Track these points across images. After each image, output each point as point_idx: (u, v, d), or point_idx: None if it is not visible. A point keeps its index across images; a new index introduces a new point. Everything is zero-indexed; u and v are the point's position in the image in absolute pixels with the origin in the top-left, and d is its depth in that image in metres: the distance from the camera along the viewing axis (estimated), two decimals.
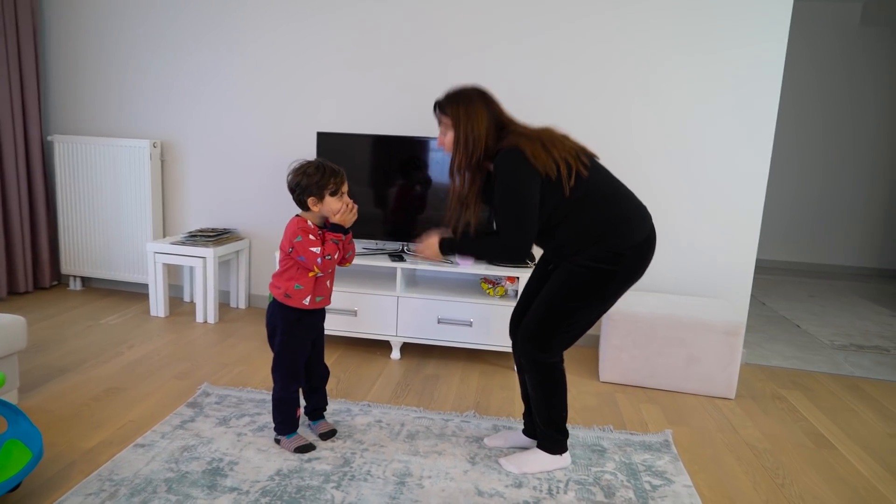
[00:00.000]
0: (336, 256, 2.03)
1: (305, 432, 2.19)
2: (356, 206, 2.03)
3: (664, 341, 2.76)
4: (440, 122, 1.97)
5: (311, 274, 2.02)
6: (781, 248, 6.07)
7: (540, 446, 2.06)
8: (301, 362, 2.09)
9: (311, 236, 1.98)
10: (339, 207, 1.98)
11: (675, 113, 3.12)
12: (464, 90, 1.95)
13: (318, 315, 2.13)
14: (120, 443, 2.08)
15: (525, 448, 2.14)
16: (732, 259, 3.18)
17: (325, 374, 2.21)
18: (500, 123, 1.93)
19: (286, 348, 2.06)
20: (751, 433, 2.42)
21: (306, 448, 2.09)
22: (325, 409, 2.24)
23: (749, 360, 3.23)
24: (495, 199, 1.89)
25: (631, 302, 2.90)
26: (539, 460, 2.04)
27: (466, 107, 1.90)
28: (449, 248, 1.99)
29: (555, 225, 1.89)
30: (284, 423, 2.10)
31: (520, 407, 2.45)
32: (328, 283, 2.09)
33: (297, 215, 2.04)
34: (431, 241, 2.00)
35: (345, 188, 2.00)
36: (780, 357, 3.36)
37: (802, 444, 2.35)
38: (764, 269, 5.80)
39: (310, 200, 1.98)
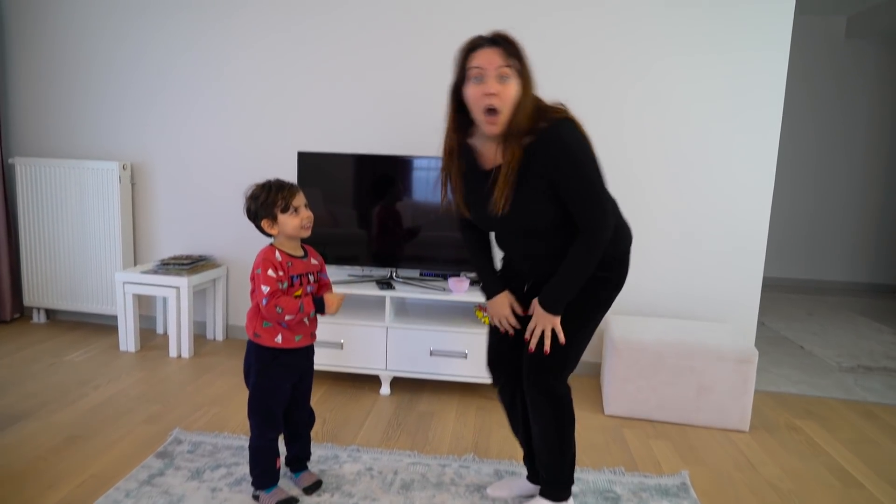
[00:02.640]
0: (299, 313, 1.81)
1: (287, 485, 1.97)
2: (311, 218, 1.83)
3: (673, 370, 2.59)
4: (503, 65, 1.49)
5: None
6: (775, 265, 5.97)
7: (547, 494, 1.84)
8: (278, 407, 1.86)
9: (270, 271, 1.77)
10: (296, 224, 1.80)
11: (677, 132, 2.98)
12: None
13: (301, 354, 1.89)
14: (79, 503, 1.84)
15: (531, 496, 1.94)
16: (737, 281, 3.03)
17: (309, 419, 1.99)
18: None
19: (260, 391, 1.84)
20: (771, 471, 2.25)
21: (291, 501, 1.87)
22: (308, 459, 2.01)
23: (758, 387, 3.07)
24: (558, 178, 1.54)
25: (635, 328, 2.73)
26: None
27: (524, 54, 1.53)
28: (557, 304, 1.64)
29: (561, 224, 1.62)
30: (263, 476, 1.88)
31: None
32: (306, 319, 1.86)
33: (270, 243, 1.85)
34: (543, 317, 1.65)
35: (297, 202, 1.81)
36: (789, 382, 3.20)
37: (828, 483, 2.17)
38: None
39: (264, 224, 1.81)
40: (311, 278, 1.88)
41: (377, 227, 2.98)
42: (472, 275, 2.98)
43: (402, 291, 2.83)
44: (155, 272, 3.17)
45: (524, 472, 2.03)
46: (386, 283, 2.92)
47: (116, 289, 3.19)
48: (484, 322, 2.83)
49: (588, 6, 2.97)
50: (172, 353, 3.18)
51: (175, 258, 3.31)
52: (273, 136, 3.33)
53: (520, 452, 2.24)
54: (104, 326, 3.60)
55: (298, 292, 1.83)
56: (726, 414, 2.58)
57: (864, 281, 5.95)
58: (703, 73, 2.93)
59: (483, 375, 2.74)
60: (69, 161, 3.42)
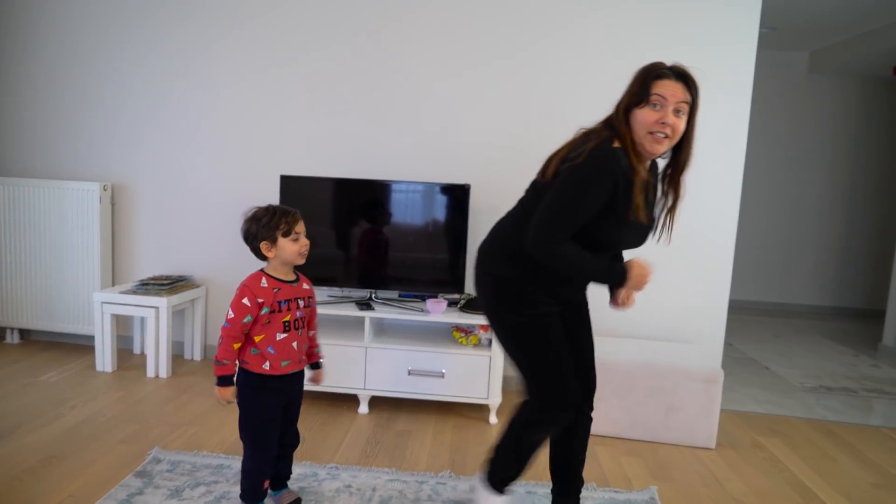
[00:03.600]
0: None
1: (267, 502, 2.00)
2: (308, 245, 1.88)
3: (644, 390, 2.68)
4: (683, 101, 1.60)
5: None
6: (743, 289, 6.15)
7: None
8: (271, 431, 1.88)
9: (245, 299, 1.78)
10: (295, 250, 1.84)
11: None
12: None
13: (290, 379, 1.90)
14: None
15: None
16: (705, 304, 3.16)
17: (294, 441, 2.01)
18: None
19: (250, 416, 1.86)
20: (736, 487, 2.34)
21: None
22: (287, 478, 2.04)
23: (724, 406, 3.17)
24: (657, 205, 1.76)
25: (607, 349, 2.82)
26: None
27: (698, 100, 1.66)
28: None
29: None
30: (250, 492, 1.90)
31: None
32: (294, 344, 1.87)
33: (261, 269, 1.89)
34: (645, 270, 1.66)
35: (299, 228, 1.86)
36: (754, 401, 3.32)
37: (790, 498, 2.27)
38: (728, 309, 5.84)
39: (263, 245, 1.83)
40: (301, 303, 1.90)
41: (357, 249, 3.05)
42: (451, 296, 3.05)
43: (382, 312, 2.89)
44: (134, 292, 3.19)
45: (459, 496, 2.06)
46: (365, 304, 2.98)
47: (94, 308, 3.19)
48: (461, 343, 2.89)
49: (554, 40, 3.10)
50: (150, 373, 3.18)
51: (154, 278, 3.33)
52: (254, 159, 3.39)
53: None
54: (80, 346, 3.59)
55: (287, 317, 1.85)
56: (694, 432, 2.67)
57: (829, 304, 6.15)
58: None
59: (460, 394, 2.80)
60: (49, 181, 3.42)
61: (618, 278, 1.66)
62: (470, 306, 2.95)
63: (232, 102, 3.37)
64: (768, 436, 2.86)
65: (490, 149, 3.19)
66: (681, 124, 1.60)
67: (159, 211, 3.51)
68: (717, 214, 3.11)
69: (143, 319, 3.51)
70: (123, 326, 3.57)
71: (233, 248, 3.44)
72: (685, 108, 1.60)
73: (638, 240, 1.74)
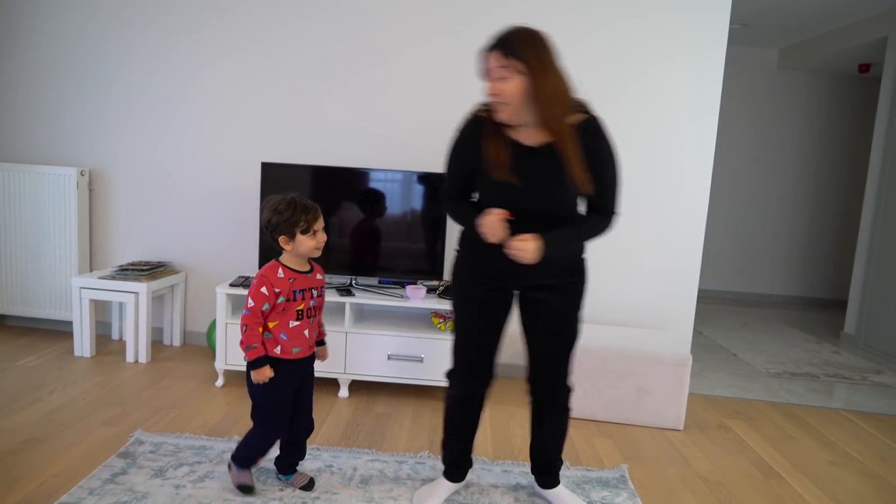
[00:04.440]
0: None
1: (276, 485, 2.04)
2: (325, 240, 1.94)
3: (616, 374, 2.78)
4: (499, 67, 1.63)
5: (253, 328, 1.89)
6: (713, 279, 6.31)
7: (558, 481, 2.06)
8: (282, 412, 1.95)
9: (263, 288, 1.85)
10: (311, 245, 1.89)
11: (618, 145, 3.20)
12: (534, 30, 1.65)
13: (301, 363, 1.96)
14: (41, 502, 1.87)
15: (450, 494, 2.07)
16: (675, 292, 3.26)
17: (308, 427, 2.06)
18: (567, 76, 1.69)
19: (263, 396, 1.92)
20: (702, 465, 2.45)
21: (247, 489, 1.97)
22: (293, 465, 2.08)
23: (693, 390, 3.29)
24: (603, 167, 1.73)
25: (583, 335, 2.90)
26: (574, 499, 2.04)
27: (546, 50, 1.64)
28: (552, 247, 1.70)
29: (573, 212, 1.79)
30: (245, 460, 1.99)
31: (481, 447, 2.38)
32: (305, 331, 1.94)
33: (276, 258, 1.95)
34: (530, 244, 1.66)
35: (317, 226, 1.90)
36: (722, 386, 3.44)
37: (752, 475, 2.38)
38: (699, 299, 6.00)
39: (281, 239, 1.89)
40: (315, 293, 1.96)
41: (337, 236, 3.08)
42: (430, 283, 3.12)
43: (362, 298, 2.94)
44: (113, 278, 3.19)
45: (437, 475, 2.13)
46: (346, 290, 3.02)
47: (73, 294, 3.18)
48: (440, 328, 2.96)
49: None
50: (129, 358, 3.19)
51: (133, 264, 3.33)
52: (234, 146, 3.39)
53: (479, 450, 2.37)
54: (57, 332, 3.57)
55: (301, 306, 1.92)
56: (663, 414, 2.78)
57: (796, 294, 6.35)
58: (642, 98, 3.16)
59: (438, 379, 2.87)
60: (25, 166, 3.39)
61: (475, 227, 1.75)
62: (448, 292, 3.02)
63: (211, 89, 3.37)
64: (734, 418, 2.98)
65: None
66: (506, 87, 1.63)
67: (138, 197, 3.50)
68: (687, 205, 3.21)
69: (122, 305, 3.51)
70: (101, 312, 3.56)
71: (212, 235, 3.45)
72: (506, 72, 1.62)
73: (510, 198, 1.74)
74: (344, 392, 2.92)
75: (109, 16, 3.38)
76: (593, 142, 1.72)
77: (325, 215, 3.08)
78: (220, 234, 3.45)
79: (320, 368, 2.88)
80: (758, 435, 2.79)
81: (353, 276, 3.13)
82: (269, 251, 2.96)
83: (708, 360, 3.95)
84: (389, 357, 2.88)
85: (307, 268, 1.97)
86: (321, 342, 2.11)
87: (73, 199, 3.38)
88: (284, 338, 1.90)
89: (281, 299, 1.87)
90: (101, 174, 3.51)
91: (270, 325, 1.89)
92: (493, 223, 1.68)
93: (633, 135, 3.18)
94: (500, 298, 1.89)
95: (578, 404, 2.81)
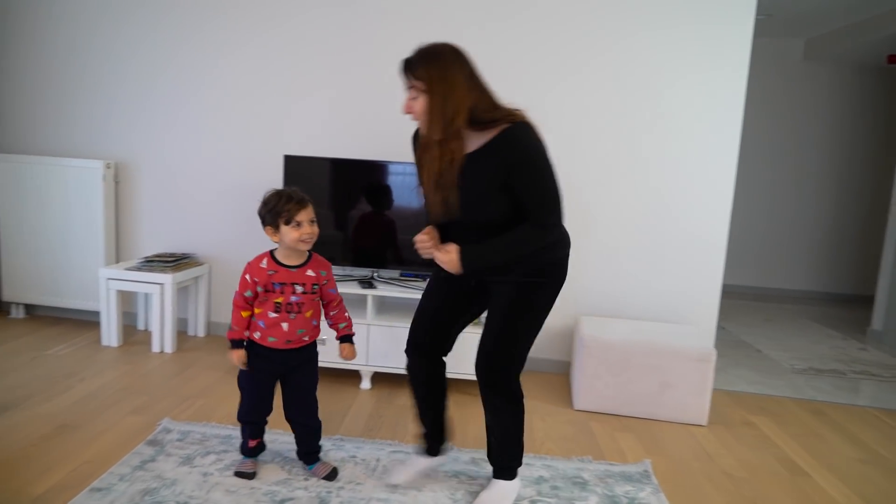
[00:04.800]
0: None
1: (301, 475, 2.07)
2: (313, 234, 1.93)
3: (639, 368, 2.76)
4: (409, 87, 1.72)
5: (244, 313, 1.98)
6: (737, 274, 6.24)
7: (500, 476, 2.01)
8: (255, 397, 2.03)
9: (247, 275, 1.94)
10: (295, 237, 1.90)
11: (641, 143, 3.17)
12: (437, 48, 1.71)
13: (280, 354, 1.98)
14: (73, 487, 1.91)
15: (424, 468, 2.11)
16: (699, 285, 3.23)
17: (300, 417, 2.07)
18: (480, 88, 1.72)
19: (239, 376, 2.03)
20: (727, 461, 2.43)
21: (244, 475, 2.03)
22: (312, 455, 2.11)
23: (717, 386, 3.26)
24: (521, 177, 1.68)
25: (604, 329, 2.90)
26: (509, 491, 2.00)
27: (444, 67, 1.67)
28: (472, 260, 1.74)
29: (512, 219, 1.74)
30: (242, 445, 2.10)
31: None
32: (284, 325, 1.95)
33: (270, 250, 2.00)
34: (450, 256, 1.73)
35: (303, 216, 1.90)
36: (745, 382, 3.41)
37: (777, 472, 2.36)
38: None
39: (267, 230, 1.94)
40: (299, 289, 1.95)
41: (359, 229, 3.10)
42: None
43: (383, 290, 2.95)
44: (139, 269, 3.23)
45: (461, 467, 2.18)
46: (367, 283, 3.04)
47: (100, 284, 3.24)
48: None
49: (558, 21, 3.14)
50: (155, 348, 3.24)
51: (158, 256, 3.38)
52: (258, 138, 3.42)
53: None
54: (85, 322, 3.64)
55: (279, 299, 1.94)
56: (687, 409, 2.76)
57: (821, 290, 6.25)
58: (666, 89, 3.12)
59: (459, 371, 2.87)
60: (52, 158, 3.46)
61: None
62: None
63: (234, 82, 3.40)
64: (758, 414, 2.95)
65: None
66: (416, 105, 1.71)
67: (163, 189, 3.55)
68: (711, 200, 3.17)
69: (147, 296, 3.56)
70: (127, 303, 3.62)
71: (236, 227, 3.49)
72: (413, 91, 1.71)
73: (435, 208, 1.81)
74: (366, 384, 2.94)
75: (135, 12, 3.42)
76: (508, 152, 1.68)
77: (347, 208, 3.12)
78: (243, 226, 3.48)
79: (343, 362, 2.91)
80: (783, 432, 2.76)
81: (375, 269, 3.15)
82: None
83: (731, 355, 3.91)
84: None
85: (298, 262, 1.97)
86: (345, 338, 2.10)
87: (99, 192, 3.43)
88: (262, 325, 1.95)
89: (259, 289, 1.93)
90: (126, 167, 3.56)
91: (256, 310, 1.97)
92: (420, 241, 1.81)
93: (657, 127, 3.15)
94: (457, 282, 1.92)
95: (600, 397, 2.80)
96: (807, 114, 6.01)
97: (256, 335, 1.96)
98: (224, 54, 3.39)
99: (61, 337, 3.37)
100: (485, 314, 1.95)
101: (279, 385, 2.06)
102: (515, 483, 2.01)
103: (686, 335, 2.90)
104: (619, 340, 2.78)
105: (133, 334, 3.51)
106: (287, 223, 1.89)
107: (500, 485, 2.00)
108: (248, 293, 1.95)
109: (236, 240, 3.50)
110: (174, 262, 3.31)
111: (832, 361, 3.93)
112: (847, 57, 5.67)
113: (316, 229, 1.94)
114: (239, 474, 2.03)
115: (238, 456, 2.14)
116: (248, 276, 1.94)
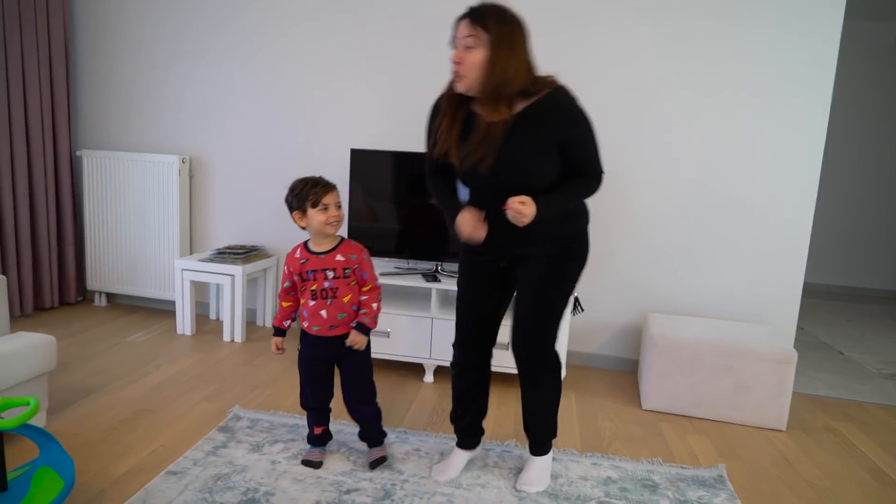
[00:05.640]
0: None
1: (357, 454, 2.09)
2: (339, 218, 1.95)
3: (711, 369, 2.64)
4: (467, 36, 1.65)
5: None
6: (817, 271, 5.91)
7: (538, 452, 2.06)
8: (307, 382, 2.09)
9: (285, 267, 2.03)
10: (322, 220, 1.93)
11: (722, 135, 3.03)
12: (507, 9, 1.67)
13: (328, 340, 2.01)
14: (151, 470, 1.99)
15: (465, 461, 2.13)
16: (778, 283, 3.06)
17: (354, 402, 2.10)
18: (532, 59, 1.71)
19: (299, 364, 2.09)
20: (807, 469, 2.29)
21: (309, 464, 2.08)
22: (373, 441, 2.15)
23: (795, 389, 3.09)
24: (574, 136, 1.72)
25: (674, 326, 2.79)
26: (546, 465, 2.06)
27: (513, 29, 1.64)
28: (544, 207, 1.71)
29: (551, 186, 1.77)
30: (308, 433, 2.15)
31: (568, 439, 2.33)
32: (322, 312, 1.97)
33: (306, 240, 2.06)
34: (529, 207, 1.66)
35: (329, 200, 1.93)
36: (827, 386, 3.22)
37: (865, 483, 2.21)
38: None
39: (295, 215, 1.97)
40: (330, 274, 1.96)
41: (423, 221, 3.10)
42: None
43: (447, 284, 2.94)
44: (211, 260, 3.34)
45: (523, 464, 2.15)
46: (431, 276, 3.03)
47: (175, 275, 3.37)
48: None
49: (641, 14, 3.03)
50: (226, 337, 3.35)
51: (229, 248, 3.48)
52: (325, 133, 3.47)
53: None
54: (161, 311, 3.80)
55: (314, 287, 1.98)
56: (763, 413, 2.62)
57: None
58: (749, 77, 2.97)
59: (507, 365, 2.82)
60: (132, 154, 3.62)
61: (451, 218, 1.84)
62: None
63: (304, 78, 3.45)
64: (842, 420, 2.78)
65: None
66: (468, 57, 1.64)
67: (233, 183, 3.65)
68: (794, 193, 3.00)
69: (219, 286, 3.68)
70: (199, 293, 3.75)
71: None
72: (472, 41, 1.64)
73: (471, 178, 1.79)
74: (429, 377, 2.94)
75: (208, 12, 3.52)
76: (560, 115, 1.70)
77: (412, 200, 3.12)
78: None
79: (407, 354, 2.92)
80: (870, 439, 2.59)
81: (439, 262, 3.14)
82: (355, 238, 3.02)
83: (810, 357, 3.70)
84: None
85: (326, 248, 1.99)
86: (358, 325, 2.01)
87: (175, 186, 3.56)
88: (305, 314, 2.01)
89: (295, 279, 2.00)
90: (200, 162, 3.68)
91: (301, 301, 2.03)
92: (467, 224, 1.77)
93: (737, 118, 3.00)
94: (496, 271, 1.94)
95: (670, 398, 2.70)
96: None
97: (305, 324, 2.03)
98: (291, 53, 3.45)
99: (139, 325, 3.53)
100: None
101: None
102: (550, 457, 2.08)
103: (763, 335, 2.76)
104: (691, 339, 2.67)
105: (205, 323, 3.64)
106: (314, 206, 1.92)
107: (539, 461, 2.05)
108: (286, 283, 2.03)
109: (303, 233, 3.56)
110: (244, 253, 3.40)
111: None
112: None
113: (342, 213, 1.97)
114: (306, 463, 2.07)
115: (305, 445, 2.17)
116: (286, 268, 2.02)
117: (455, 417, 2.11)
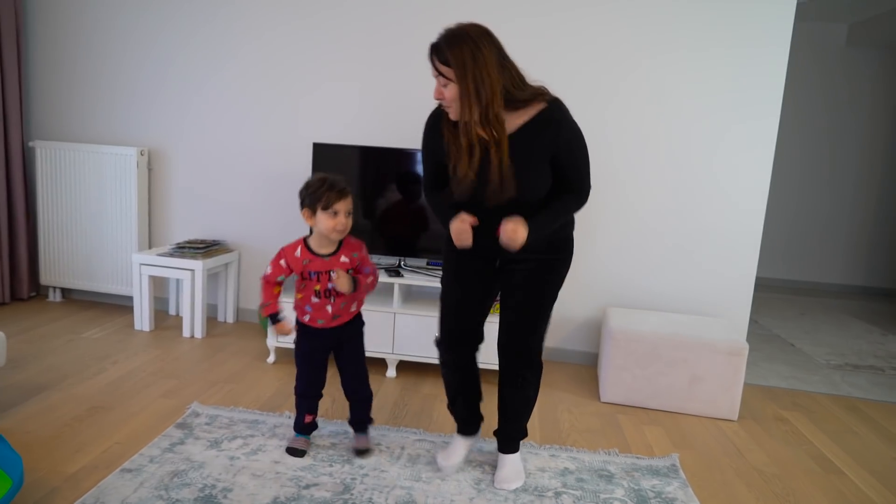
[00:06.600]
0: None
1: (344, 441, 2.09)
2: (347, 226, 1.94)
3: (667, 361, 2.71)
4: (438, 73, 1.69)
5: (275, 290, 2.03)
6: (770, 266, 6.09)
7: (511, 450, 2.08)
8: (306, 373, 2.11)
9: (281, 261, 1.98)
10: (330, 225, 1.91)
11: (673, 132, 3.10)
12: (463, 29, 1.66)
13: (331, 332, 2.07)
14: (105, 467, 1.96)
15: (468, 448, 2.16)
16: (731, 277, 3.15)
17: (353, 388, 2.15)
18: (510, 67, 1.69)
19: (295, 352, 2.12)
20: (757, 457, 2.37)
21: (294, 452, 2.09)
22: (361, 426, 2.18)
23: (748, 380, 3.19)
24: (569, 151, 1.75)
25: (632, 320, 2.85)
26: (519, 461, 2.09)
27: (473, 50, 1.62)
28: (534, 229, 1.73)
29: (547, 194, 1.81)
30: (295, 422, 2.15)
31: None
32: (328, 308, 2.01)
33: (304, 237, 2.03)
34: (521, 233, 1.69)
35: (341, 206, 1.92)
36: (778, 377, 3.33)
37: (810, 469, 2.30)
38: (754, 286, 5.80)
39: (304, 213, 1.96)
40: (334, 276, 1.97)
41: (386, 217, 3.10)
42: None
43: (410, 279, 2.95)
44: (171, 255, 3.28)
45: (489, 458, 2.19)
46: (394, 271, 3.04)
47: (133, 270, 3.30)
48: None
49: (589, 3, 3.08)
50: (186, 333, 3.30)
51: (190, 242, 3.42)
52: (286, 126, 3.43)
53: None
54: (118, 306, 3.72)
55: (318, 287, 1.98)
56: (717, 403, 2.70)
57: (858, 284, 6.07)
58: (701, 75, 3.04)
59: (485, 361, 2.85)
60: (88, 145, 3.52)
61: (446, 226, 1.84)
62: None
63: (267, 70, 3.41)
64: (791, 410, 2.88)
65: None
66: (447, 92, 1.69)
67: (194, 177, 3.59)
68: (746, 191, 3.09)
69: (178, 281, 3.62)
70: (159, 288, 3.68)
71: (265, 215, 3.52)
72: (443, 79, 1.68)
73: (467, 193, 1.79)
74: (392, 372, 2.94)
75: (171, 3, 3.45)
76: (556, 130, 1.73)
77: (375, 196, 3.11)
78: (272, 213, 3.51)
79: (369, 349, 2.91)
80: (817, 428, 2.69)
81: (402, 258, 3.14)
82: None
83: (763, 349, 3.82)
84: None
85: (330, 250, 1.99)
86: (354, 280, 2.02)
87: (133, 179, 3.49)
88: (309, 310, 2.02)
89: (294, 277, 1.98)
90: (159, 154, 3.61)
91: (298, 295, 2.02)
92: (460, 231, 1.77)
93: (691, 115, 3.07)
94: (481, 269, 1.96)
95: (626, 390, 2.76)
96: (848, 102, 5.81)
97: (306, 318, 2.03)
98: (254, 43, 3.40)
99: (95, 321, 3.45)
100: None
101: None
102: (520, 454, 2.11)
103: (717, 328, 2.84)
104: (647, 332, 2.73)
105: (164, 319, 3.58)
106: (325, 209, 1.90)
107: (512, 458, 2.08)
108: (280, 278, 2.00)
109: (265, 227, 3.53)
110: (205, 248, 3.35)
111: (870, 357, 3.81)
112: (892, 42, 5.45)
113: (350, 222, 1.96)
114: (291, 451, 2.10)
115: (265, 440, 2.16)
116: (282, 262, 1.98)
117: (453, 408, 2.15)
